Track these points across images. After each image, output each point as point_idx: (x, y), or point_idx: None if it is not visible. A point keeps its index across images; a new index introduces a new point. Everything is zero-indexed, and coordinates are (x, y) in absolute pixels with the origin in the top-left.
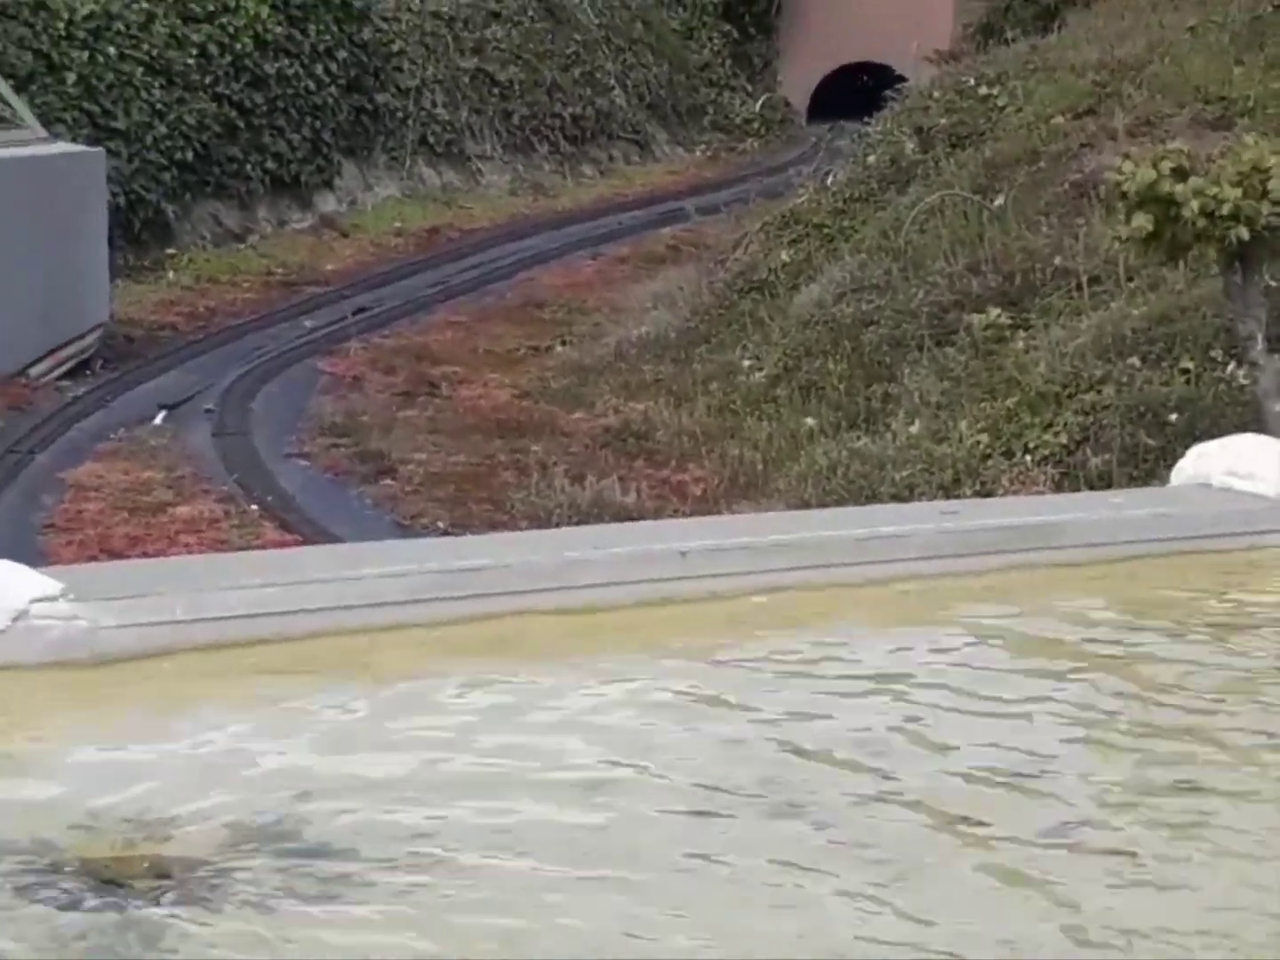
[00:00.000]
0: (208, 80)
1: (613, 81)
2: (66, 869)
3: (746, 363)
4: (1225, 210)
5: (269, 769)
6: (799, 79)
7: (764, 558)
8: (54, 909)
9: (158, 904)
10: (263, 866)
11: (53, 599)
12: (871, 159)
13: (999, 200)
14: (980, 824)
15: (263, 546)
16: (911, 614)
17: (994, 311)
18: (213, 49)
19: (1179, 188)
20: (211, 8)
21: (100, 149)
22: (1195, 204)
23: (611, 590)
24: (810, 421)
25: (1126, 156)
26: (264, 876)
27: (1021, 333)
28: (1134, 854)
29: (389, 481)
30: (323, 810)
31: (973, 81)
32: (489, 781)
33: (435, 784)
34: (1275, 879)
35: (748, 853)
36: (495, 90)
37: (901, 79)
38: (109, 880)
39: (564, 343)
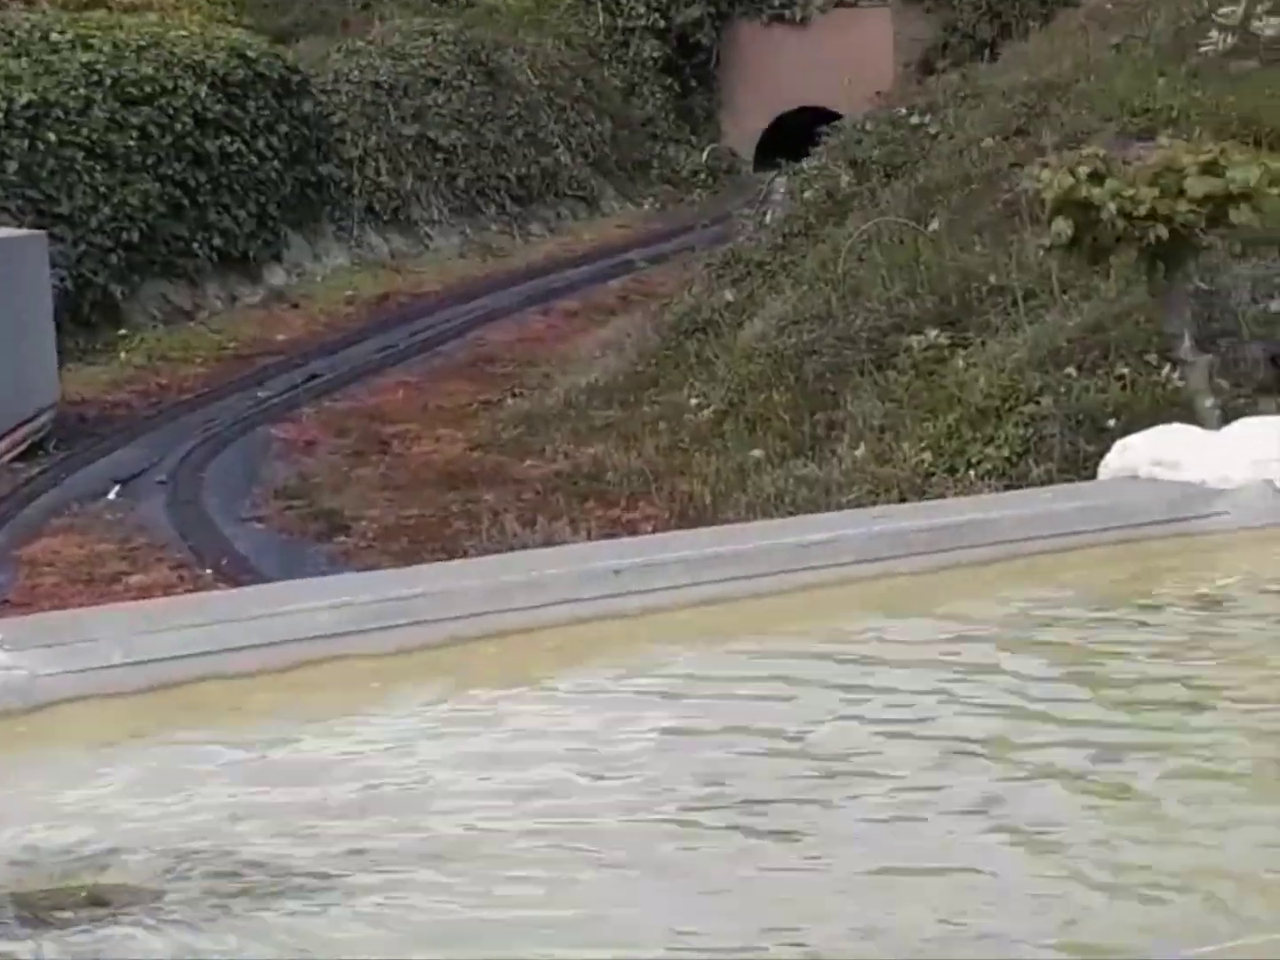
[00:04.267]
0: (150, 161)
1: (556, 140)
2: (1, 905)
3: (694, 401)
4: (1142, 210)
5: (206, 803)
6: (744, 128)
7: (697, 570)
8: None
9: (92, 932)
10: (197, 889)
11: None
12: (808, 194)
13: (934, 225)
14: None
15: None
16: (848, 617)
17: (932, 332)
18: (153, 130)
19: (1096, 191)
20: (149, 90)
21: (41, 232)
22: (1113, 205)
23: (548, 611)
24: (757, 453)
25: (1045, 165)
26: (199, 898)
27: (961, 351)
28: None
29: (343, 538)
30: (257, 835)
31: (904, 112)
32: (424, 800)
33: (370, 808)
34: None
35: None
36: (439, 155)
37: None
38: (45, 911)
39: (515, 395)
